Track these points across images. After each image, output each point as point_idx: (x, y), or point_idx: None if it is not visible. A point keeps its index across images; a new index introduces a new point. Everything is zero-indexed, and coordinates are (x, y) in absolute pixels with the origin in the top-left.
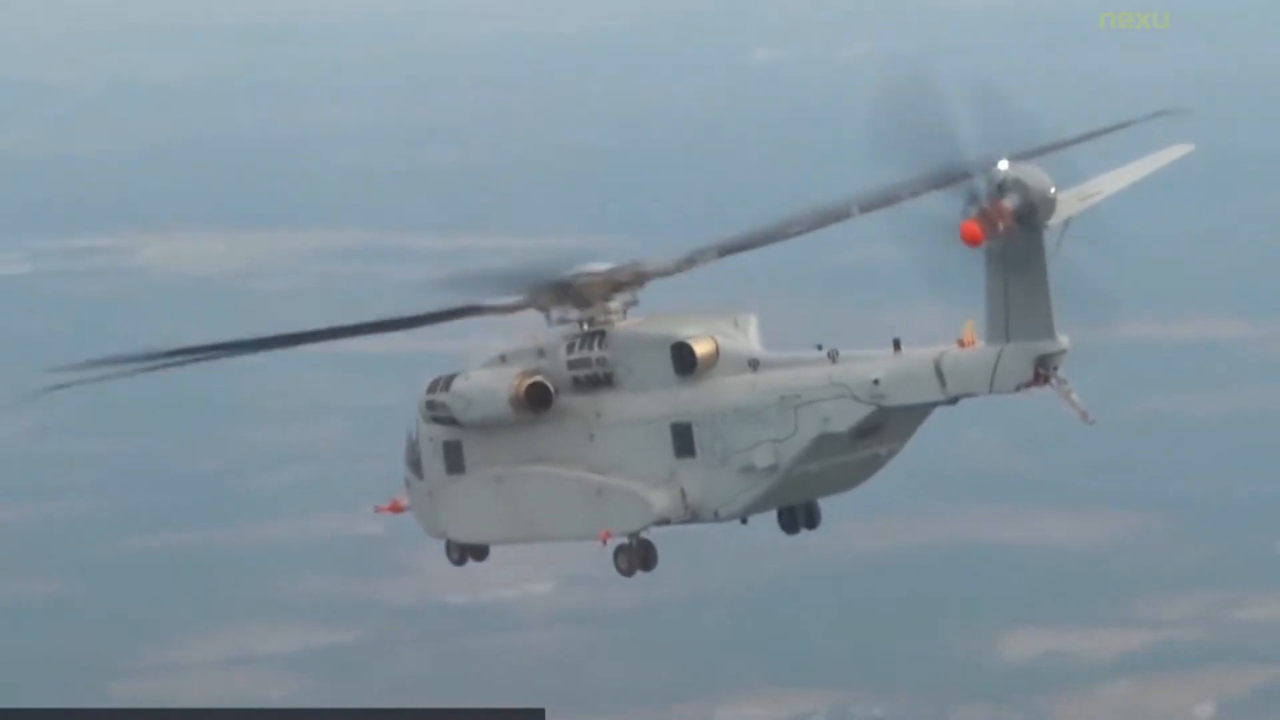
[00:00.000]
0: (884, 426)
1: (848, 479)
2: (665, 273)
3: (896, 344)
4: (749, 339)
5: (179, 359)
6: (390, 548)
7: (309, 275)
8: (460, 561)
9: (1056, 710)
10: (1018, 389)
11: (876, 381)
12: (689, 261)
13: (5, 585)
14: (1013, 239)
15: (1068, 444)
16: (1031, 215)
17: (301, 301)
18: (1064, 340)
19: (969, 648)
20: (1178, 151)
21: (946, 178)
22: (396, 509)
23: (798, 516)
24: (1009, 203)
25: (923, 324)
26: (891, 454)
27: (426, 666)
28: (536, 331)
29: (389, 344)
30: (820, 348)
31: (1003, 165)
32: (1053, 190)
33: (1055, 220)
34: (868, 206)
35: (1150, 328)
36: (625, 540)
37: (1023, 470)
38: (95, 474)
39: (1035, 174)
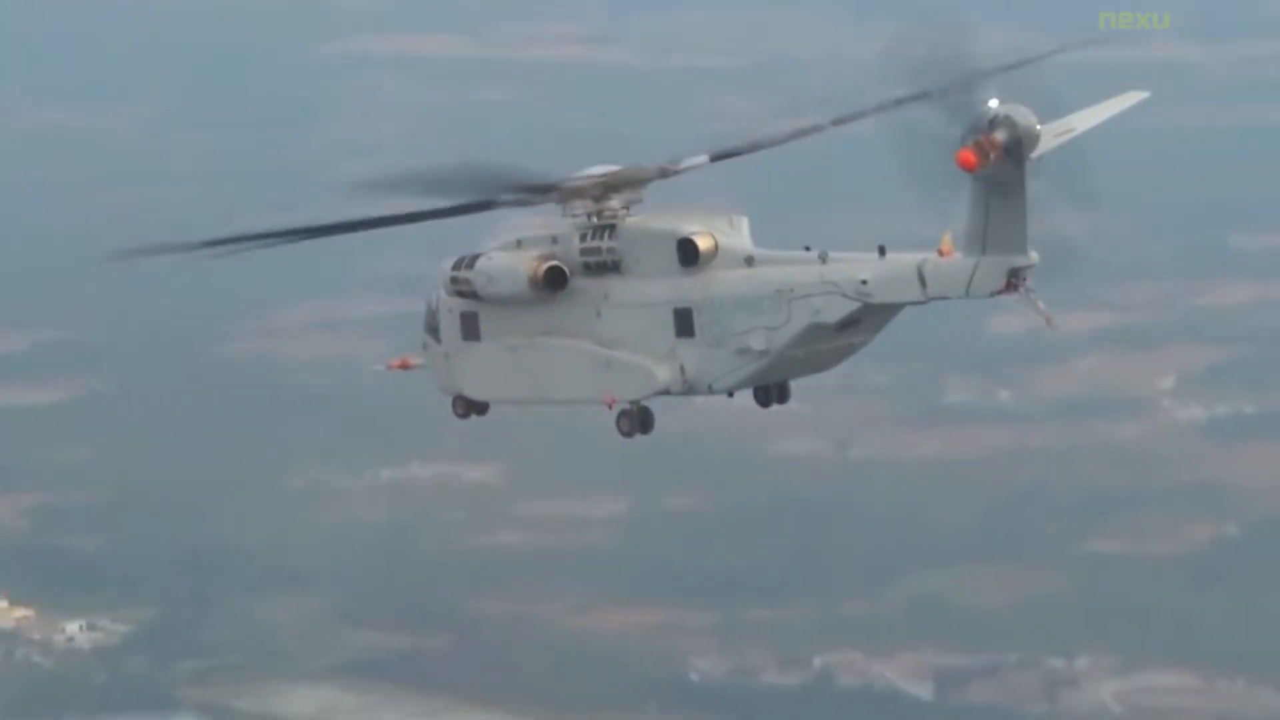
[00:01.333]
0: (864, 320)
1: (824, 363)
2: (663, 175)
3: (881, 250)
4: (742, 237)
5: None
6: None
7: None
8: (464, 415)
9: (1037, 380)
10: (991, 295)
11: (864, 281)
12: (683, 166)
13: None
14: (1000, 167)
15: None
16: (1018, 148)
17: None
18: (1034, 255)
19: (960, 327)
20: (1135, 97)
21: (944, 103)
22: (405, 365)
23: (771, 393)
24: (999, 135)
25: (900, 233)
26: (864, 344)
27: None
28: (551, 221)
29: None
30: (808, 249)
31: (994, 103)
32: (1038, 127)
33: (1037, 153)
34: (842, 120)
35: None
36: (627, 406)
37: None
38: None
39: (1023, 112)
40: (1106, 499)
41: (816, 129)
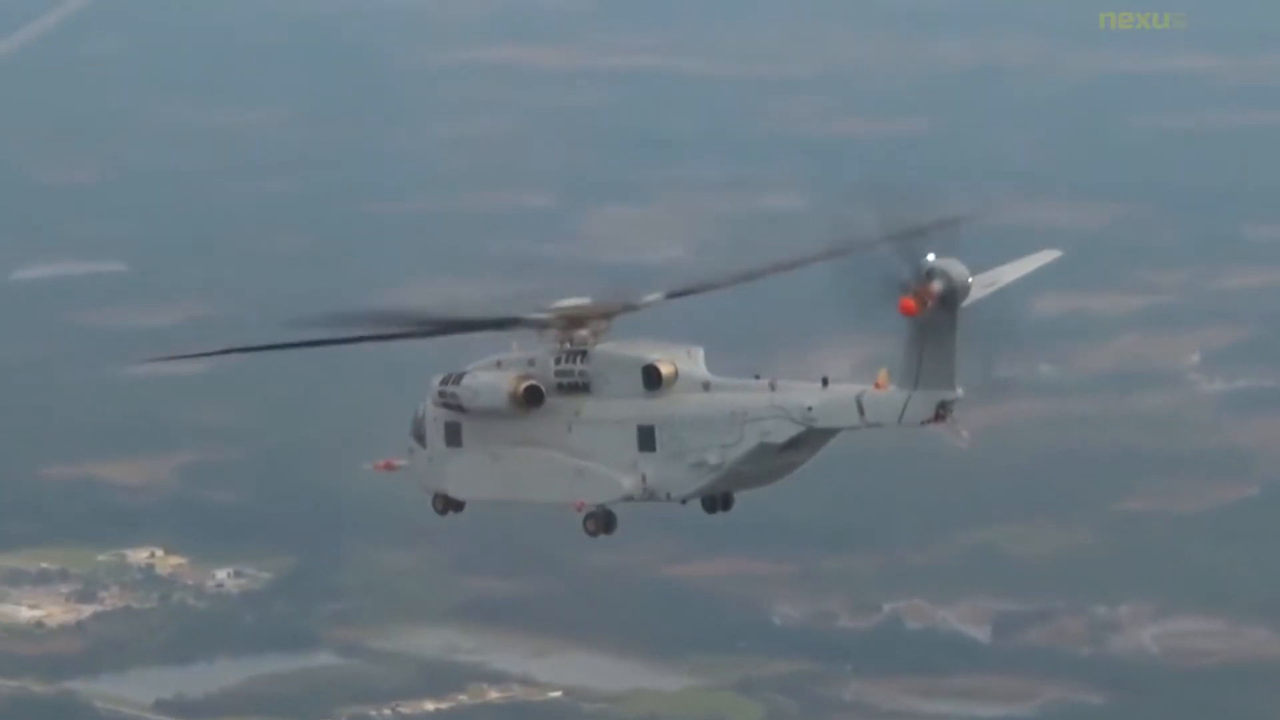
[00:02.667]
0: (807, 441)
1: (768, 478)
2: (626, 309)
3: (824, 380)
4: (699, 365)
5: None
6: (561, 216)
7: None
8: (443, 512)
9: (1077, 355)
10: (921, 424)
11: (810, 408)
12: (643, 302)
13: None
14: (935, 314)
15: (1074, 137)
16: (952, 297)
17: None
18: (960, 390)
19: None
20: (1050, 255)
21: (887, 255)
22: (390, 467)
23: (717, 502)
24: (936, 286)
25: (838, 367)
26: (804, 462)
27: None
28: (527, 345)
29: None
30: (758, 377)
31: (931, 257)
32: (969, 280)
33: (967, 302)
34: (785, 267)
35: None
36: (594, 509)
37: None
38: None
39: (957, 266)
40: (1140, 462)
41: (763, 272)
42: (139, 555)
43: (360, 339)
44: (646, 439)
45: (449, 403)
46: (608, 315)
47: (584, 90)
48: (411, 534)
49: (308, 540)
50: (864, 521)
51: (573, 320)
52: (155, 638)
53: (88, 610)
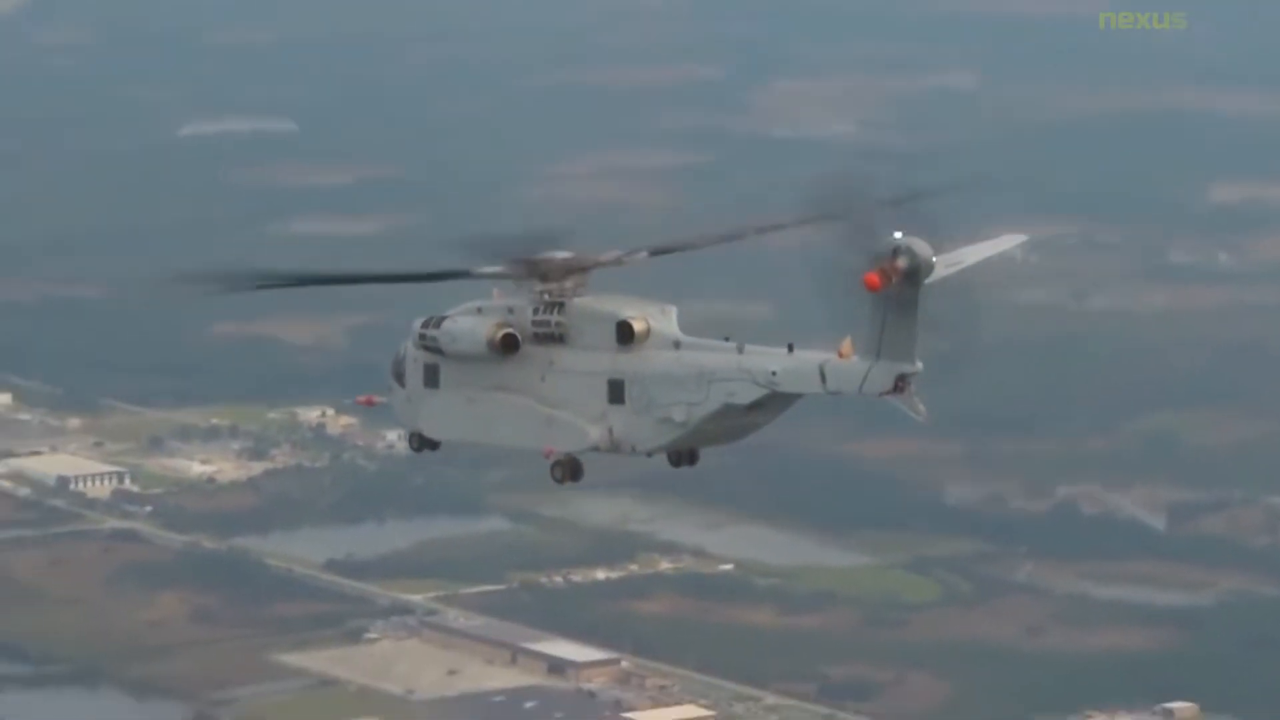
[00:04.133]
0: (770, 404)
1: (731, 436)
2: (609, 264)
3: (790, 347)
4: (672, 324)
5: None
6: (732, 90)
7: None
8: (418, 449)
9: (1254, 244)
10: (879, 395)
11: (774, 373)
12: (627, 257)
13: None
14: (899, 290)
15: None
16: (916, 274)
17: None
18: (919, 364)
19: (1182, 195)
20: (1015, 240)
21: (855, 229)
22: (370, 402)
23: (683, 457)
24: (901, 262)
25: (807, 334)
26: (767, 423)
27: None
28: (507, 294)
29: None
30: (727, 339)
31: (898, 234)
32: (933, 258)
33: (931, 279)
34: (764, 229)
35: None
36: (562, 456)
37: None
38: None
39: (922, 244)
40: None
41: (741, 234)
42: (310, 414)
43: (355, 280)
44: (616, 392)
45: (429, 345)
46: (586, 269)
47: None
48: None
49: None
50: (1040, 406)
51: (554, 272)
52: (325, 497)
53: (258, 467)
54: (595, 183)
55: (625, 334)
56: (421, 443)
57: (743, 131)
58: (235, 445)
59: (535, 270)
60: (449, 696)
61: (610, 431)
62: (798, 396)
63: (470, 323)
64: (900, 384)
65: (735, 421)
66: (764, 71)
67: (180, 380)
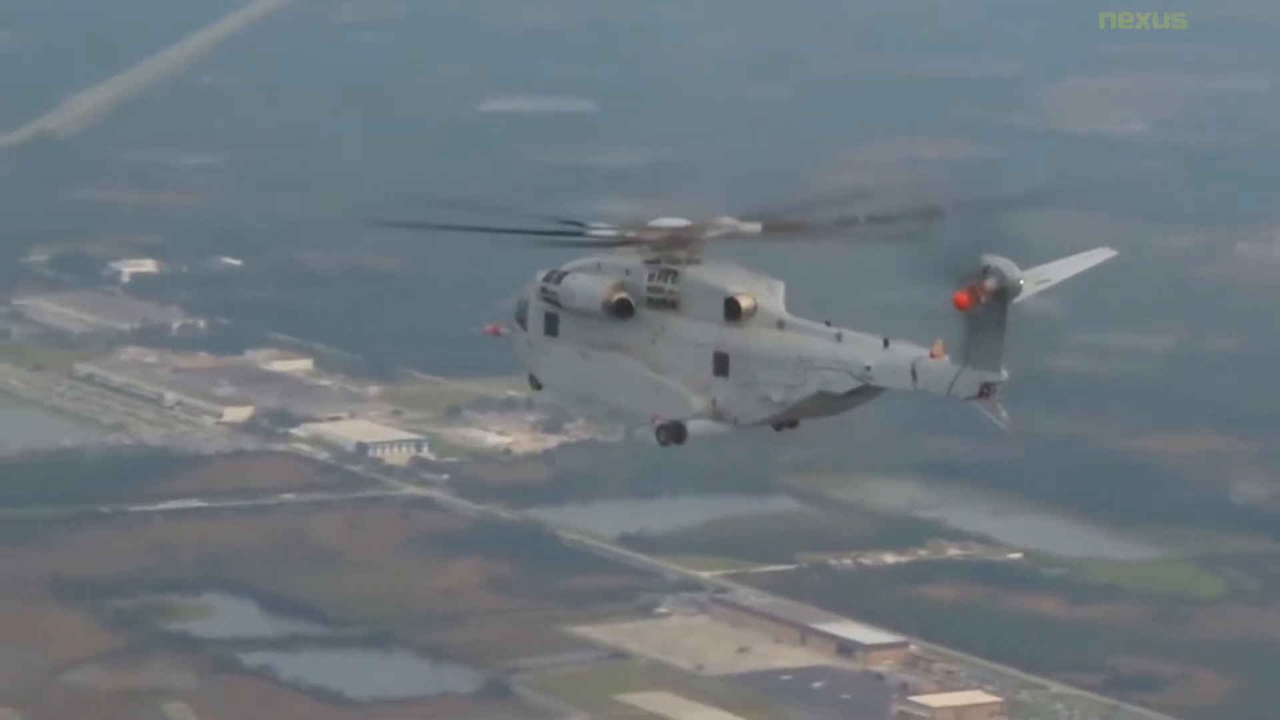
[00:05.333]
0: (863, 393)
1: (827, 414)
2: (720, 236)
3: (886, 342)
4: (778, 301)
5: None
6: (1026, 86)
7: None
8: (537, 389)
9: None
10: (966, 399)
11: (868, 367)
12: (742, 230)
13: None
14: (988, 308)
15: None
16: (1004, 294)
17: None
18: (1005, 374)
19: None
20: (1105, 254)
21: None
22: (496, 332)
23: (783, 426)
24: (990, 283)
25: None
26: (861, 405)
27: None
28: (626, 257)
29: None
30: (828, 323)
31: (986, 255)
32: (1021, 279)
33: (1019, 298)
34: (875, 219)
35: None
36: (667, 422)
37: None
38: None
39: (1010, 265)
40: None
41: (854, 220)
42: None
43: (474, 229)
44: (721, 365)
45: (549, 298)
46: (702, 238)
47: None
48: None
49: None
50: None
51: (670, 240)
52: (618, 472)
53: (553, 440)
54: (885, 173)
55: (733, 310)
56: (539, 384)
57: (1035, 126)
58: (530, 418)
59: (652, 236)
60: (738, 673)
61: (714, 402)
62: (888, 389)
63: (588, 282)
64: (985, 391)
65: (830, 405)
66: (1057, 69)
67: (477, 352)
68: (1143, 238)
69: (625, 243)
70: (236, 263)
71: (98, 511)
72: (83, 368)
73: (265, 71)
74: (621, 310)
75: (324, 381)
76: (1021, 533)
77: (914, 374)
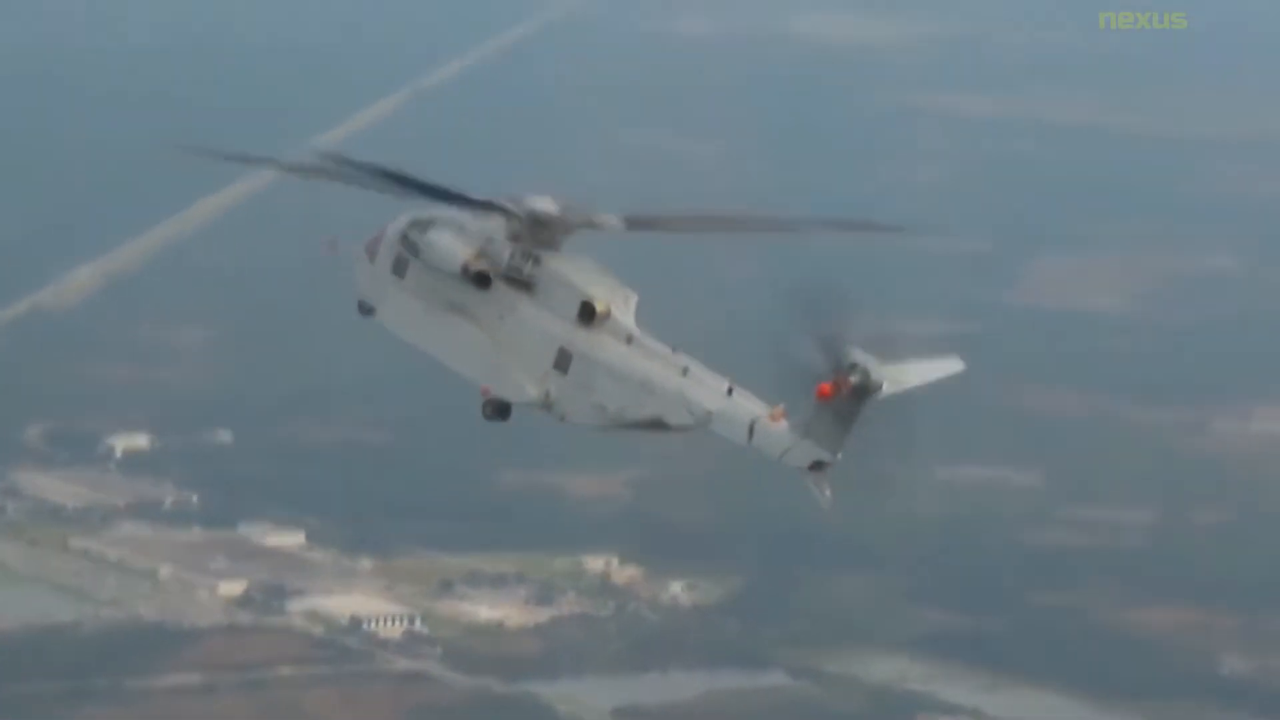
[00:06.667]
0: (693, 429)
1: (654, 432)
2: (587, 226)
3: (730, 389)
4: (630, 314)
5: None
6: (1001, 262)
7: None
8: (365, 315)
9: None
10: (795, 469)
11: (709, 412)
12: (601, 222)
13: None
14: (847, 401)
15: None
16: (864, 392)
17: None
18: (839, 457)
19: None
20: (954, 365)
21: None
22: (332, 249)
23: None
24: (854, 379)
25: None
26: (686, 433)
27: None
28: (493, 225)
29: None
30: (674, 349)
31: (855, 352)
32: (884, 382)
33: (878, 397)
34: (750, 227)
35: None
36: (496, 398)
37: None
38: None
39: (876, 365)
40: None
41: (724, 226)
42: (595, 563)
43: (361, 183)
44: (563, 361)
45: (407, 245)
46: (568, 226)
47: (1024, 141)
48: (863, 560)
49: (759, 561)
50: None
51: (536, 220)
52: (611, 645)
53: (545, 614)
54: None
55: (587, 314)
56: (369, 311)
57: (1012, 302)
58: (522, 592)
59: (521, 213)
60: None
61: (548, 395)
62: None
63: (451, 242)
64: (815, 467)
65: (658, 429)
66: (1033, 245)
67: (467, 526)
68: (1124, 413)
69: (492, 209)
70: (228, 437)
71: (94, 687)
72: (77, 543)
73: (255, 248)
74: (480, 280)
75: (317, 555)
76: (1012, 706)
77: (751, 431)
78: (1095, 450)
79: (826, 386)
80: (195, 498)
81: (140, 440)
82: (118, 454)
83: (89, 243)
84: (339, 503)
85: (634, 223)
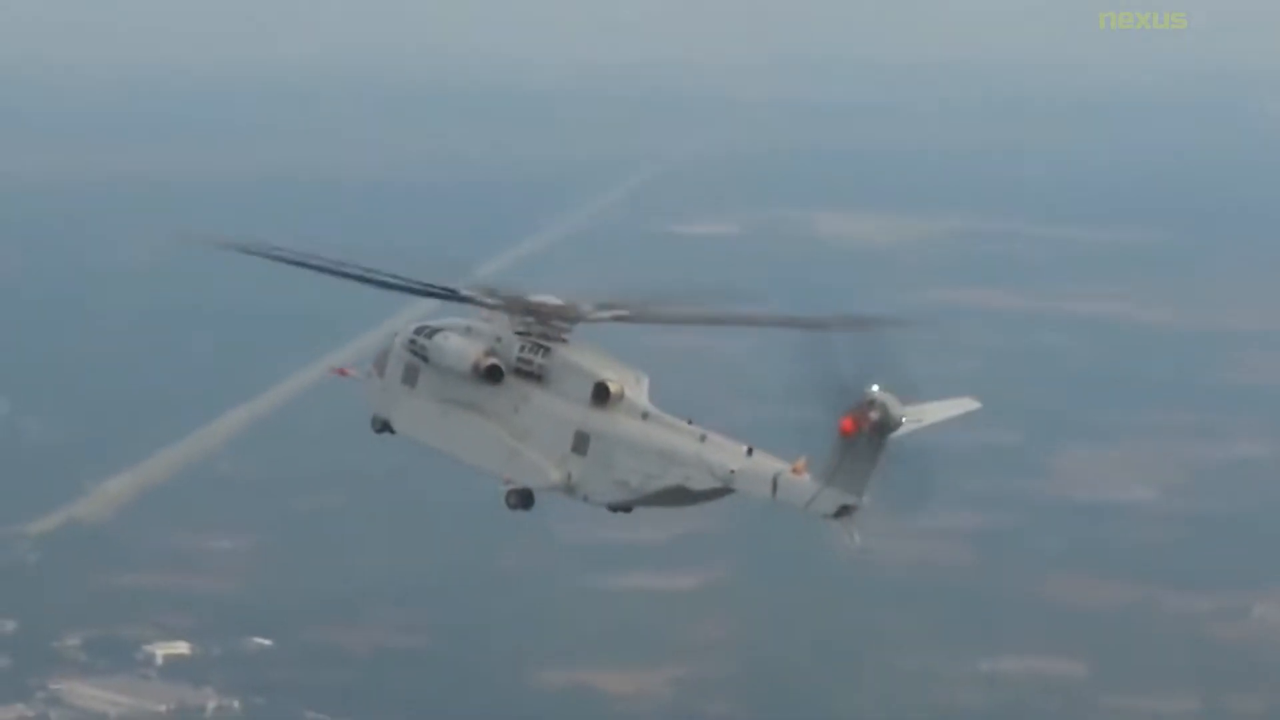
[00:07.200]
0: (719, 493)
1: (673, 506)
2: (582, 320)
3: (750, 450)
4: (643, 393)
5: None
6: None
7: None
8: (379, 432)
9: None
10: (822, 517)
11: (732, 471)
12: (596, 317)
13: None
14: (867, 438)
15: None
16: (885, 427)
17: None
18: (866, 500)
19: None
20: (970, 404)
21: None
22: (343, 374)
23: (619, 508)
24: (874, 415)
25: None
26: (708, 502)
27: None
28: (498, 323)
29: None
30: (690, 422)
31: (876, 388)
32: (904, 417)
33: (897, 434)
34: (740, 321)
35: None
36: (519, 487)
37: None
38: None
39: (895, 402)
40: None
41: (715, 321)
42: None
43: (352, 277)
44: (581, 444)
45: (416, 351)
46: (567, 319)
47: (1049, 333)
48: None
49: None
50: None
51: (539, 314)
52: None
53: None
54: (899, 542)
55: (601, 394)
56: (384, 427)
57: (1044, 495)
58: None
59: (526, 309)
60: None
61: (568, 477)
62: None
63: (460, 342)
64: (843, 512)
65: (682, 498)
66: (1063, 436)
67: None
68: (1162, 602)
69: (498, 308)
70: (268, 643)
71: None
72: None
73: (287, 457)
74: (491, 375)
75: None
76: None
77: (775, 486)
78: (1135, 640)
79: (848, 422)
80: (237, 703)
81: (180, 647)
82: (158, 661)
83: (121, 454)
84: (378, 707)
85: (640, 315)
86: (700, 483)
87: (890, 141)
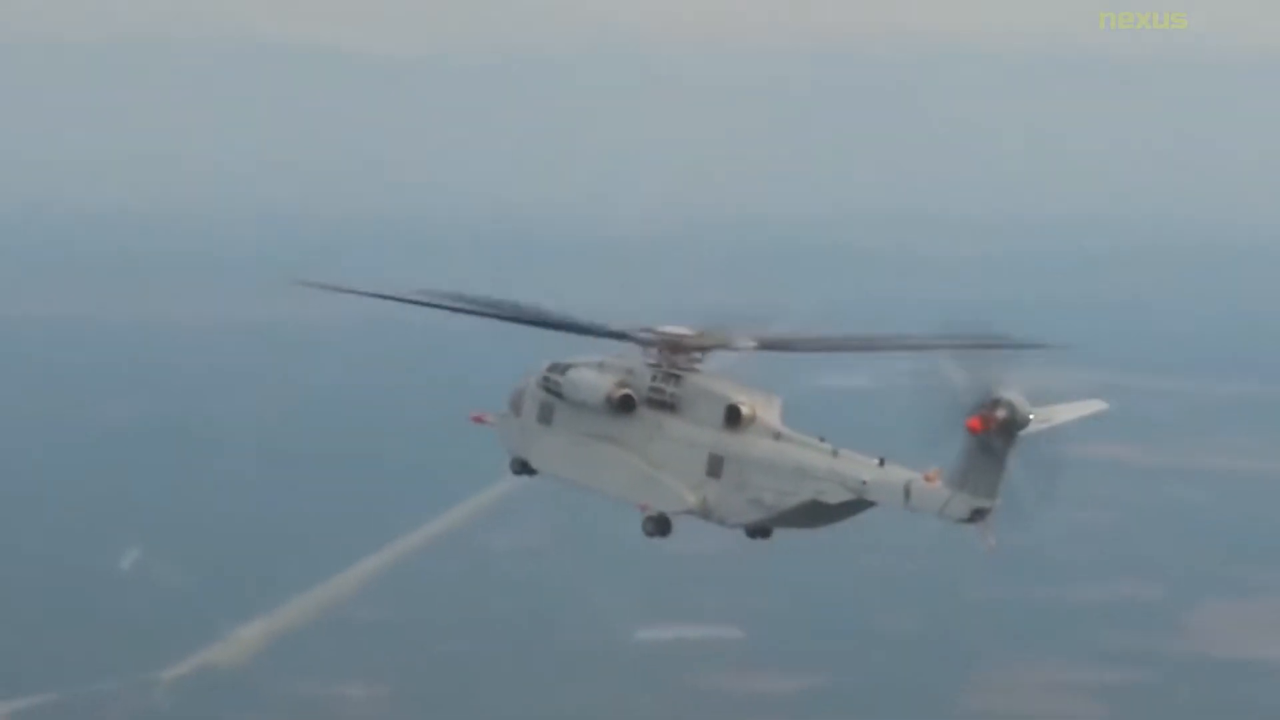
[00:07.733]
0: (853, 506)
1: (809, 524)
2: (721, 347)
3: (881, 461)
4: (775, 414)
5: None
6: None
7: None
8: (519, 473)
9: None
10: (957, 521)
11: (864, 482)
12: (737, 345)
13: None
14: (995, 436)
15: None
16: (1012, 425)
17: None
18: (998, 501)
19: None
20: (1098, 405)
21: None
22: (480, 420)
23: (759, 531)
24: (1002, 413)
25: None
26: (845, 519)
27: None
28: (630, 357)
29: None
30: (822, 439)
31: (1002, 389)
32: (1031, 415)
33: (1025, 432)
34: (878, 347)
35: None
36: (655, 514)
37: None
38: None
39: (1022, 401)
40: None
41: (851, 348)
42: None
43: (485, 314)
44: (715, 467)
45: (550, 388)
46: (704, 348)
47: (1179, 487)
48: None
49: None
50: None
51: (672, 345)
52: None
53: None
54: (1037, 695)
55: (734, 417)
56: (522, 468)
57: (1180, 650)
58: None
59: (667, 343)
60: None
61: (705, 500)
62: (877, 504)
63: (593, 377)
64: (976, 516)
65: (818, 514)
66: (1199, 592)
67: None
68: None
69: (628, 340)
70: None
71: None
72: None
73: (421, 602)
74: (625, 405)
75: None
76: None
77: (907, 493)
78: None
79: (976, 421)
80: None
81: None
82: None
83: (254, 600)
84: None
85: (767, 344)
86: (834, 496)
87: (1010, 292)
